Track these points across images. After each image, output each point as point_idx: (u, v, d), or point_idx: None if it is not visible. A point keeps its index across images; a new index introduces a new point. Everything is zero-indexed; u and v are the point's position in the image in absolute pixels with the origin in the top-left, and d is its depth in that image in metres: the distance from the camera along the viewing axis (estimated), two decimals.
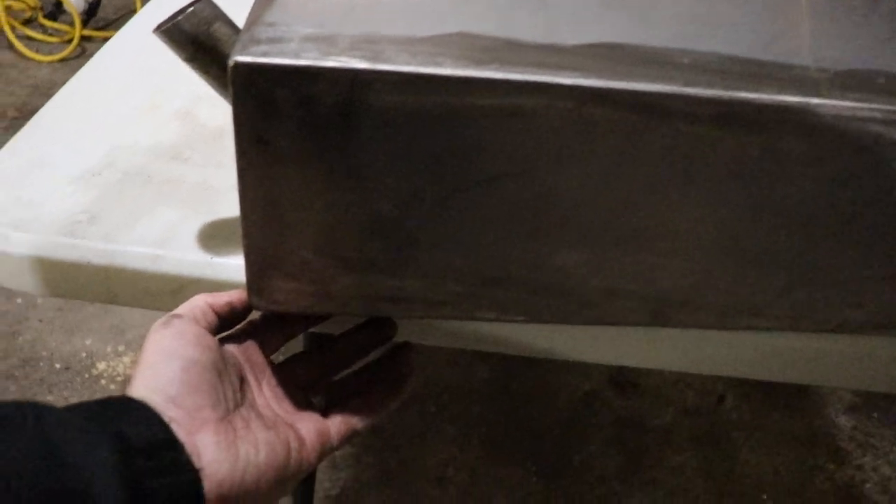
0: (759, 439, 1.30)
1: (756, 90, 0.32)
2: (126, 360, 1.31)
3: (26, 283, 0.46)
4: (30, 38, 2.12)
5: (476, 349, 0.46)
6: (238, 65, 0.31)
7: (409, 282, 0.37)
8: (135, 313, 1.39)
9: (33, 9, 2.16)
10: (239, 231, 0.45)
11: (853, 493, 1.24)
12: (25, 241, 0.45)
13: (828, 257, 0.38)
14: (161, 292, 0.44)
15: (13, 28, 2.09)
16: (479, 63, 0.32)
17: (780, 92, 0.33)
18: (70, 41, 2.07)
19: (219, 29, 0.38)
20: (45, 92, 1.95)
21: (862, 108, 0.33)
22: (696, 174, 0.34)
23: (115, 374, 1.28)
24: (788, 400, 1.37)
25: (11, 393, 1.23)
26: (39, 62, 2.06)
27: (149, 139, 0.52)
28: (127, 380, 1.26)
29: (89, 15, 2.13)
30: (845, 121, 0.33)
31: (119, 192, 0.48)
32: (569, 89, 0.32)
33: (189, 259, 0.44)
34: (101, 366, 1.29)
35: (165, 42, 0.39)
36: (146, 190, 0.48)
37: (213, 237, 0.45)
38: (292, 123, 0.32)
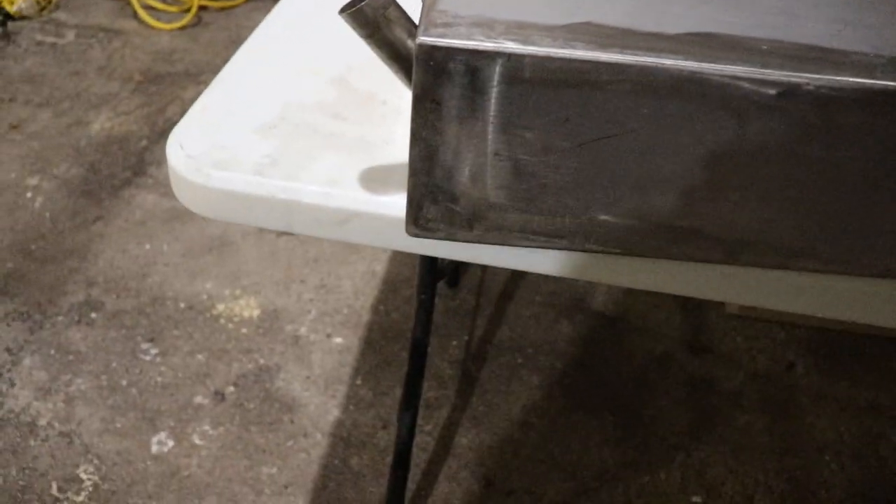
0: (825, 405, 1.37)
1: (817, 72, 0.41)
2: (241, 302, 1.45)
3: (222, 212, 0.58)
4: (152, 8, 2.29)
5: (579, 278, 0.56)
6: (422, 44, 0.42)
7: (536, 217, 0.48)
8: (249, 262, 1.53)
9: None
10: (391, 175, 0.56)
11: None
12: (224, 178, 0.56)
13: (875, 211, 0.47)
14: (331, 222, 0.56)
15: None
16: (603, 47, 0.41)
17: (836, 73, 0.42)
18: (188, 10, 2.23)
19: (392, 12, 0.49)
20: (166, 58, 2.11)
21: None
22: (767, 138, 0.44)
23: (232, 314, 1.43)
24: (856, 371, 1.43)
25: (144, 326, 1.39)
26: (160, 30, 2.22)
27: (312, 99, 0.64)
28: (243, 321, 1.40)
29: None
30: (894, 97, 0.42)
31: (292, 141, 0.59)
32: (670, 69, 0.41)
33: (353, 196, 0.55)
34: (220, 307, 1.44)
35: (349, 23, 0.49)
36: (314, 140, 0.59)
37: (371, 180, 0.56)
38: (459, 89, 0.42)
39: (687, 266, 0.52)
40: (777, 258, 0.50)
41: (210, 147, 0.59)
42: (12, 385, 1.29)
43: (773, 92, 0.42)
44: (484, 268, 1.57)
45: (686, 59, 0.42)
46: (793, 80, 0.42)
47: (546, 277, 1.56)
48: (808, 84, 0.42)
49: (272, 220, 0.57)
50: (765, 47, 0.43)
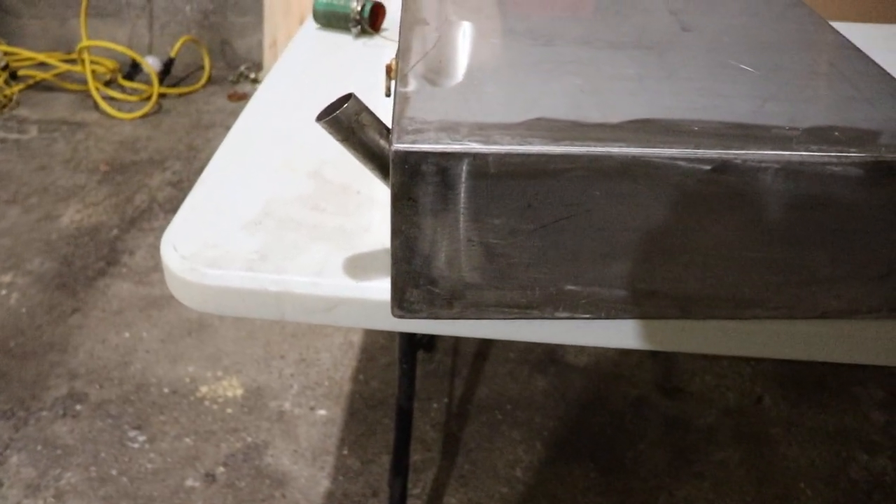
0: (796, 434, 1.42)
1: (743, 148, 0.48)
2: (224, 383, 1.47)
3: (217, 307, 0.62)
4: (112, 98, 2.34)
5: (551, 342, 0.61)
6: (397, 150, 0.47)
7: (509, 293, 0.53)
8: (228, 342, 1.56)
9: (112, 71, 2.38)
10: (372, 262, 0.61)
11: (886, 480, 1.35)
12: (218, 276, 0.61)
13: (807, 263, 0.53)
14: (320, 310, 0.60)
15: (97, 89, 2.30)
16: (556, 140, 0.47)
17: (760, 148, 0.48)
18: (148, 98, 2.28)
19: (364, 117, 0.54)
20: (130, 147, 2.15)
21: (820, 156, 0.48)
22: (706, 208, 0.49)
23: (216, 395, 1.45)
24: (823, 398, 1.49)
25: (130, 414, 1.41)
26: (122, 120, 2.27)
27: (291, 194, 0.69)
28: (227, 401, 1.43)
29: (164, 74, 2.34)
30: (810, 165, 0.48)
31: (278, 235, 0.64)
32: (616, 155, 0.47)
33: (339, 283, 0.60)
34: (204, 389, 1.46)
35: (326, 129, 0.55)
36: (298, 233, 0.64)
37: (354, 267, 0.61)
38: (433, 186, 0.48)
39: (648, 323, 0.57)
40: (728, 310, 0.55)
41: (202, 247, 0.63)
42: (0, 485, 1.29)
43: (707, 168, 0.48)
44: None
45: (629, 146, 0.48)
46: (723, 156, 0.48)
47: None
48: (736, 159, 0.48)
49: (265, 312, 0.61)
50: (696, 128, 0.49)
